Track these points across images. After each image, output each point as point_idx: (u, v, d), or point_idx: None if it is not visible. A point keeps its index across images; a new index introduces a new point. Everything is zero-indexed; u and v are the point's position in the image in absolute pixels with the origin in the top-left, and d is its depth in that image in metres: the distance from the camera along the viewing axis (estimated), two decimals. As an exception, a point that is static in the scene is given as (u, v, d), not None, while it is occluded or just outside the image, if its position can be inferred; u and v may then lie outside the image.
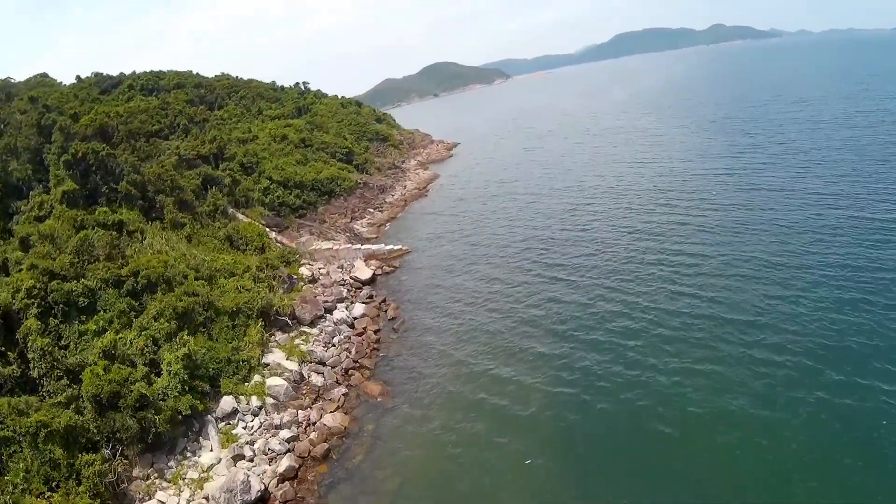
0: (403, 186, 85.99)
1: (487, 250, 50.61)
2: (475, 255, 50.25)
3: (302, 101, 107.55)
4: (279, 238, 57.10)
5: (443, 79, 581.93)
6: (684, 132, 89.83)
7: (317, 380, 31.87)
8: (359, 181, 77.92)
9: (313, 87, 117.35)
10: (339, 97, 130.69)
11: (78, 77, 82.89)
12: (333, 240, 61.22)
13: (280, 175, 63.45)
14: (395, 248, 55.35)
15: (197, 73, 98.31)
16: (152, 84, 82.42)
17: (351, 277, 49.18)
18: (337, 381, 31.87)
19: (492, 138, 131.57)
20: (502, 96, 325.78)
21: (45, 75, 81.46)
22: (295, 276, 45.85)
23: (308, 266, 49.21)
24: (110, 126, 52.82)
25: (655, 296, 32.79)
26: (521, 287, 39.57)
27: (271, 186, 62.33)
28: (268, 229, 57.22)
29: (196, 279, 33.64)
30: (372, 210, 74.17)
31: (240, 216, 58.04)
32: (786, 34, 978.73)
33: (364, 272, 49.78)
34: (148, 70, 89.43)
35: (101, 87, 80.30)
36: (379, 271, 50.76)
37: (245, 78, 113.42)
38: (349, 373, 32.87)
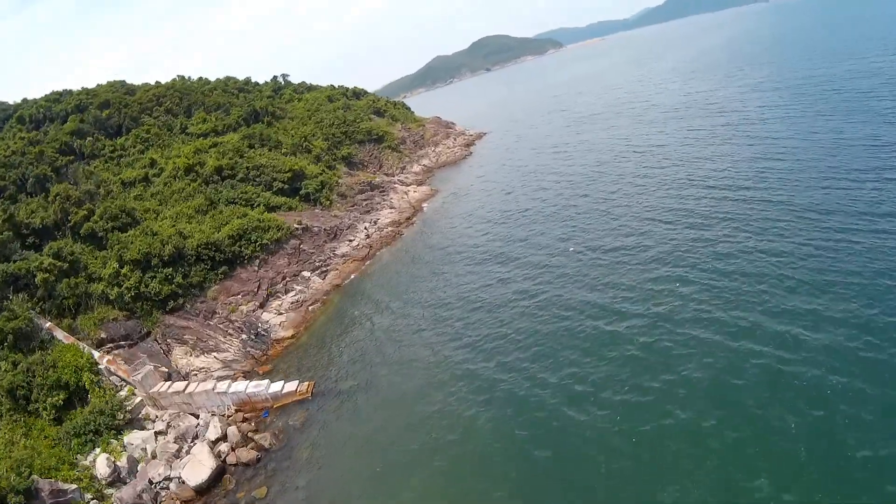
0: (373, 222, 67.23)
1: (462, 408, 31.10)
2: (430, 412, 31.38)
3: (263, 101, 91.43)
4: (116, 368, 41.48)
5: (493, 52, 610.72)
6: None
7: None
8: (296, 226, 60.35)
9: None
10: (336, 88, 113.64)
11: None
12: (194, 374, 44.39)
13: (144, 245, 47.52)
14: (291, 387, 37.56)
15: (123, 83, 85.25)
16: (44, 112, 70.08)
17: (175, 481, 32.24)
18: None
19: (523, 126, 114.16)
20: (552, 67, 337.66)
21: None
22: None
23: (141, 427, 37.11)
24: None
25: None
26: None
27: (124, 271, 46.49)
28: (98, 352, 41.70)
29: None
30: (307, 275, 56.52)
31: (58, 334, 42.84)
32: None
33: (199, 471, 32.24)
34: (49, 93, 77.44)
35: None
36: (245, 453, 33.32)
37: (238, 77, 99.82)
38: None
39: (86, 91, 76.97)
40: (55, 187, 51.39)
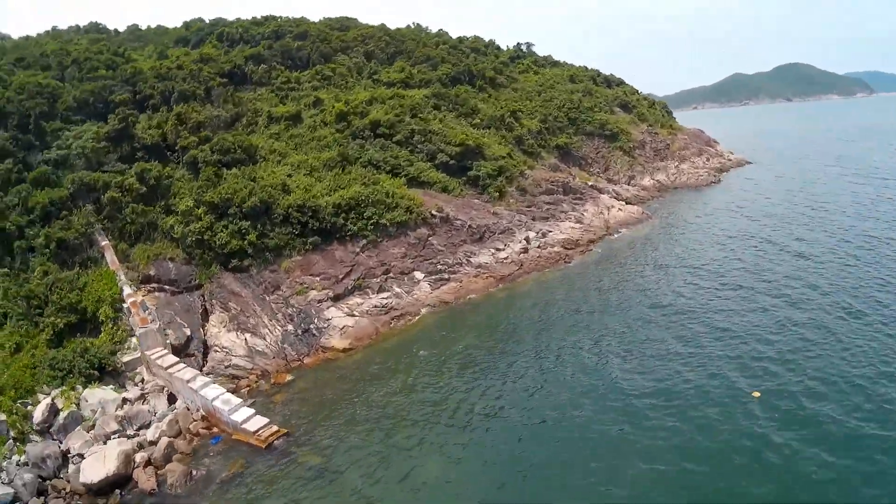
0: (540, 234, 52.54)
1: None
2: None
3: (484, 64, 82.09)
4: (136, 313, 36.30)
5: (795, 81, 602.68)
6: None
7: None
8: (433, 213, 49.06)
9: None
10: (587, 70, 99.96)
11: (186, 24, 79.23)
12: (215, 349, 36.74)
13: (228, 189, 42.06)
14: (254, 424, 28.73)
15: (345, 19, 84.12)
16: (241, 33, 71.61)
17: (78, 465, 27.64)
18: None
19: (794, 167, 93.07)
20: (856, 112, 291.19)
21: (135, 26, 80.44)
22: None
23: (119, 385, 33.44)
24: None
25: None
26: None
27: (198, 211, 40.95)
28: (130, 289, 38.17)
29: None
30: (419, 276, 45.07)
31: (108, 256, 39.35)
32: None
33: (96, 468, 26.63)
34: (255, 16, 79.59)
35: (199, 36, 73.81)
36: (147, 478, 26.45)
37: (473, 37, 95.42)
38: None
39: (293, 20, 78.17)
40: (179, 107, 49.05)
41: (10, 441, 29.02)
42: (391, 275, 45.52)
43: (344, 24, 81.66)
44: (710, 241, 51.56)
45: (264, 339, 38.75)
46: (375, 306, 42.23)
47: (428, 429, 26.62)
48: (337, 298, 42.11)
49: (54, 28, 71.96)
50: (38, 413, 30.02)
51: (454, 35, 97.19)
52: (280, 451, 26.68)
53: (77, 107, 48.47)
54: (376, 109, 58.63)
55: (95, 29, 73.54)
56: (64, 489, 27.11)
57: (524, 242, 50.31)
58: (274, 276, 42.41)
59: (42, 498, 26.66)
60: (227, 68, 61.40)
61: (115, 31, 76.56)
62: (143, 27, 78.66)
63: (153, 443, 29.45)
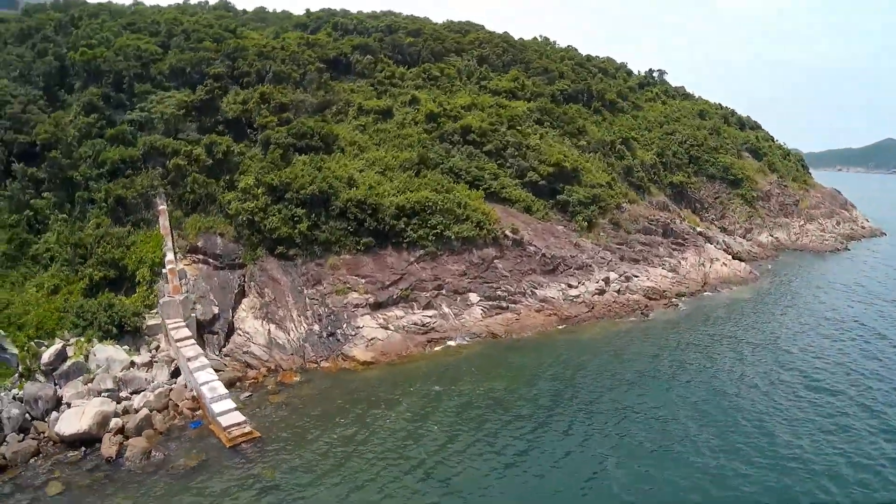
0: (623, 277, 47.49)
1: None
2: None
3: (606, 85, 77.27)
4: (171, 280, 37.03)
5: None
6: None
7: None
8: (507, 233, 45.63)
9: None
10: (722, 107, 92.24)
11: (308, 10, 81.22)
12: (238, 333, 35.48)
13: (290, 174, 42.00)
14: (228, 419, 27.36)
15: (467, 24, 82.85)
16: (355, 24, 72.03)
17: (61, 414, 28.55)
18: None
19: None
20: None
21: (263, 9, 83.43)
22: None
23: (133, 347, 34.11)
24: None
25: None
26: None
27: (257, 192, 40.56)
28: (172, 255, 38.40)
29: None
30: (474, 300, 41.78)
31: (161, 220, 40.22)
32: None
33: (72, 421, 27.21)
34: (374, 10, 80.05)
35: (317, 24, 75.27)
36: (110, 445, 26.40)
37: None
38: None
39: (411, 17, 77.25)
40: (265, 86, 49.98)
41: (16, 375, 30.41)
42: (443, 292, 42.48)
43: (464, 29, 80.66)
44: (815, 323, 43.73)
45: (288, 333, 37.29)
46: (415, 323, 39.35)
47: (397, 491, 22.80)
48: (377, 306, 39.75)
49: (185, 1, 77.33)
50: (47, 355, 31.11)
51: (585, 53, 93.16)
52: (242, 455, 25.15)
53: (171, 74, 50.89)
54: (472, 115, 56.08)
55: (224, 6, 78.27)
56: (43, 432, 27.97)
57: (602, 283, 45.19)
58: (318, 270, 41.00)
59: (22, 435, 27.67)
60: (331, 55, 62.40)
61: (244, 11, 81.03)
62: (270, 10, 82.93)
63: (137, 410, 29.14)
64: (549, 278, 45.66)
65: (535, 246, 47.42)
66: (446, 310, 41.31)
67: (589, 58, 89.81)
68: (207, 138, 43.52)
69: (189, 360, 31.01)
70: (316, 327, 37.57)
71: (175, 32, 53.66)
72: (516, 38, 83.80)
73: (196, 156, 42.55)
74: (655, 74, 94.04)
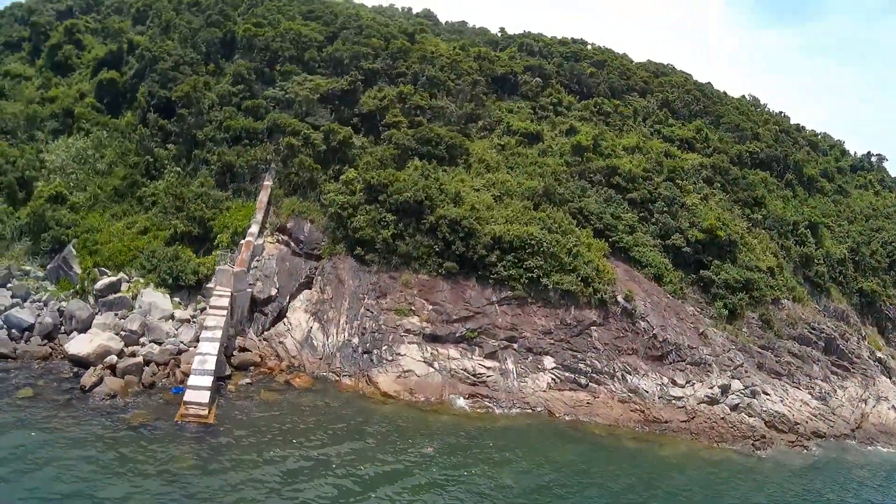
0: (748, 393, 37.69)
1: None
2: None
3: (826, 166, 65.26)
4: (243, 251, 37.50)
5: None
6: None
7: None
8: (618, 299, 39.01)
9: None
10: None
11: (501, 28, 78.84)
12: (283, 323, 33.74)
13: (389, 176, 39.77)
14: (195, 394, 26.70)
15: (667, 67, 74.12)
16: (540, 48, 67.28)
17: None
18: None
19: None
20: None
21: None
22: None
23: (185, 302, 35.72)
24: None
25: None
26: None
27: (356, 187, 39.29)
28: (255, 227, 38.64)
29: None
30: (548, 364, 35.88)
31: (261, 196, 40.95)
32: None
33: (81, 343, 29.12)
34: (565, 37, 74.61)
35: (506, 42, 72.50)
36: (93, 377, 27.49)
37: None
38: None
39: (601, 49, 71.29)
40: (405, 87, 49.72)
41: (72, 291, 33.27)
42: (515, 346, 36.59)
43: (660, 71, 72.42)
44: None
45: (327, 337, 34.73)
46: (466, 370, 34.24)
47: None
48: (431, 339, 35.40)
49: (391, 5, 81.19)
50: (101, 283, 33.48)
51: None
52: (179, 433, 24.01)
53: (326, 61, 51.39)
54: (627, 158, 49.24)
55: (426, 15, 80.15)
56: (60, 345, 30.19)
57: (717, 390, 35.46)
58: (389, 282, 37.82)
59: (46, 341, 30.33)
60: (499, 72, 59.08)
61: (447, 23, 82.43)
62: (470, 25, 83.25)
63: (135, 356, 29.53)
64: (651, 366, 37.14)
65: (649, 323, 39.13)
66: (510, 366, 35.45)
67: (798, 127, 75.82)
68: (327, 125, 42.93)
69: (205, 328, 30.22)
70: (355, 340, 34.35)
71: (349, 26, 55.39)
72: (720, 90, 74.03)
73: (312, 140, 42.43)
74: (874, 159, 76.65)
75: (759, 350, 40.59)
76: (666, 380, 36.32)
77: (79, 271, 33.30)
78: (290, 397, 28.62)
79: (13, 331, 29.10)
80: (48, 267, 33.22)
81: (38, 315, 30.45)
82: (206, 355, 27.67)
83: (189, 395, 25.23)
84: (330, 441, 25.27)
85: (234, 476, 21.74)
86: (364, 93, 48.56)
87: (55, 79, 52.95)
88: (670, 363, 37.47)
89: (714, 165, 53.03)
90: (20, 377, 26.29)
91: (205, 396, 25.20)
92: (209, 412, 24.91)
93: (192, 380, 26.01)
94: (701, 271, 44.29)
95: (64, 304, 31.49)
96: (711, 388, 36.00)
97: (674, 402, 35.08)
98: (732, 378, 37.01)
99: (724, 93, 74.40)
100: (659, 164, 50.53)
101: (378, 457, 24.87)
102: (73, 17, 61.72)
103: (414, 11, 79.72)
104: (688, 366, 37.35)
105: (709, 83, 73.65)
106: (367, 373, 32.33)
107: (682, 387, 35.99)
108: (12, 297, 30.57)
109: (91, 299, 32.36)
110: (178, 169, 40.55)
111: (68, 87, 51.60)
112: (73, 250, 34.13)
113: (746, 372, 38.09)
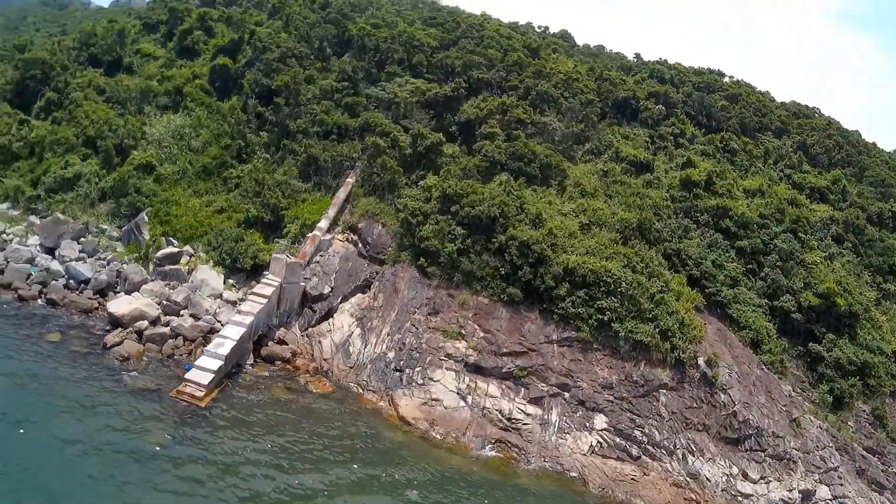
0: (831, 497, 30.37)
1: None
2: None
3: None
4: (308, 244, 37.60)
5: None
6: None
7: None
8: (698, 363, 34.32)
9: None
10: None
11: (636, 54, 72.78)
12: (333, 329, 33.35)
13: (469, 187, 38.11)
14: (197, 374, 26.85)
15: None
16: (671, 76, 61.13)
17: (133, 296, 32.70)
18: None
19: None
20: None
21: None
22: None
23: (241, 284, 37.12)
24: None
25: None
26: None
27: (430, 193, 38.10)
28: (325, 224, 39.16)
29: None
30: (600, 424, 32.25)
31: (340, 193, 41.05)
32: None
33: (120, 304, 31.19)
34: (702, 67, 68.18)
35: (639, 69, 66.92)
36: (115, 337, 29.22)
37: None
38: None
39: (739, 83, 64.34)
40: (508, 98, 47.60)
41: (136, 255, 35.61)
42: (565, 395, 32.81)
43: (801, 112, 63.24)
44: None
45: (364, 345, 33.32)
46: (503, 412, 31.18)
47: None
48: (474, 369, 32.73)
49: (528, 23, 79.17)
50: (162, 252, 35.39)
51: None
52: (170, 409, 24.48)
53: (436, 67, 50.64)
54: (743, 201, 43.10)
55: (562, 35, 77.21)
56: (105, 301, 32.23)
57: (797, 494, 29.13)
58: (445, 300, 35.71)
59: (98, 296, 32.60)
60: (621, 96, 54.76)
61: (584, 45, 79.07)
62: (607, 49, 79.13)
63: (166, 325, 30.77)
64: (722, 450, 31.46)
65: (731, 397, 33.35)
66: (553, 418, 31.66)
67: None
68: (416, 129, 41.96)
69: (238, 312, 30.35)
70: (391, 354, 32.61)
71: (469, 35, 54.34)
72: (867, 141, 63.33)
73: (400, 142, 41.59)
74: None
75: (864, 453, 33.17)
76: (736, 470, 30.55)
77: (147, 237, 35.13)
78: (303, 400, 27.69)
79: (71, 281, 31.89)
80: (123, 229, 35.76)
81: (98, 271, 32.77)
82: (226, 339, 27.63)
83: (192, 374, 25.43)
84: (311, 460, 23.77)
85: (227, 473, 21.22)
86: (466, 101, 47.39)
87: (179, 61, 57.04)
88: (746, 450, 31.53)
89: (847, 221, 45.10)
90: (58, 323, 28.44)
91: (206, 378, 25.21)
92: (206, 394, 24.85)
93: (202, 360, 26.21)
94: (809, 344, 37.68)
95: (125, 266, 33.51)
96: (790, 490, 29.64)
97: (740, 499, 29.32)
98: (820, 483, 30.27)
99: (874, 144, 63.95)
100: (780, 212, 43.96)
101: (352, 487, 22.84)
102: (212, 7, 65.93)
103: (551, 31, 77.27)
104: (767, 457, 31.18)
105: (856, 131, 63.70)
106: (392, 392, 30.43)
107: (755, 482, 30.02)
108: (81, 251, 33.46)
109: (150, 266, 34.21)
110: (267, 156, 41.71)
111: (189, 69, 54.70)
112: (146, 217, 36.29)
113: (840, 478, 31.09)
